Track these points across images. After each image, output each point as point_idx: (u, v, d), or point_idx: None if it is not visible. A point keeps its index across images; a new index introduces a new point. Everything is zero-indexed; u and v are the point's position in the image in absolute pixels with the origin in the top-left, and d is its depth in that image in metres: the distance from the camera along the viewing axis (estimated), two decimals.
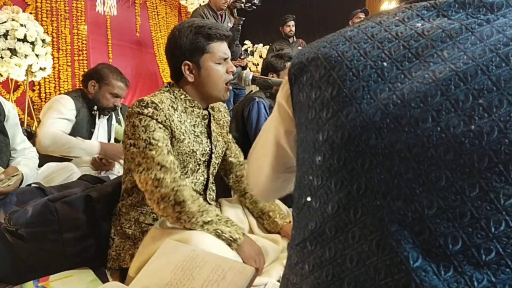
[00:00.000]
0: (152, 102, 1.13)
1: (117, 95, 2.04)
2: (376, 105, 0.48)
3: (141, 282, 0.97)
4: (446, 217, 0.43)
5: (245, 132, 2.06)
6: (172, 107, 1.19)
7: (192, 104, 1.24)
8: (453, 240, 0.42)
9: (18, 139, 1.61)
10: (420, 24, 0.50)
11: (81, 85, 2.11)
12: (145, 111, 1.12)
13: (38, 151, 1.76)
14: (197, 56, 1.21)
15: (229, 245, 1.08)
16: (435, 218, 0.43)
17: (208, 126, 1.29)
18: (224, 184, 1.75)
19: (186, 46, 1.20)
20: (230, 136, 1.44)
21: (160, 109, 1.13)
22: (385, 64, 0.49)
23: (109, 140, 2.27)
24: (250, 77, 1.55)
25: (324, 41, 0.57)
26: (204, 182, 1.30)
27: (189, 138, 1.21)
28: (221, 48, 1.23)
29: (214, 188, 1.37)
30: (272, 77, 2.08)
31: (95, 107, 2.04)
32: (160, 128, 1.13)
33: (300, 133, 0.57)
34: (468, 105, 0.43)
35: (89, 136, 2.06)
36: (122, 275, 1.17)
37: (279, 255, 1.24)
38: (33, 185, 1.46)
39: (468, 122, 0.43)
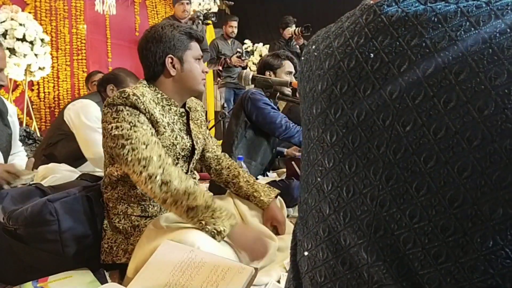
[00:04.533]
0: (134, 94, 1.16)
1: None
2: (361, 103, 0.45)
3: (139, 283, 0.96)
4: (431, 229, 0.40)
5: (245, 124, 2.08)
6: (153, 101, 1.22)
7: (168, 102, 1.27)
8: (438, 253, 0.40)
9: (17, 140, 1.69)
10: (413, 6, 0.44)
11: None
12: (128, 101, 1.15)
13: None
14: (181, 52, 1.27)
15: (213, 237, 1.06)
16: (420, 229, 0.40)
17: (187, 124, 1.32)
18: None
19: (172, 41, 1.26)
20: (207, 132, 1.48)
21: (141, 101, 1.16)
22: (371, 55, 0.45)
23: None
24: (250, 76, 1.55)
25: (331, 27, 0.53)
26: None
27: (170, 132, 1.23)
28: (198, 47, 1.32)
29: (195, 176, 1.43)
30: (269, 75, 2.09)
31: None
32: (143, 116, 1.16)
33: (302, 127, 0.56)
34: (451, 106, 0.39)
35: None
36: (121, 276, 1.17)
37: (278, 255, 1.24)
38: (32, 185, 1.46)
39: (452, 127, 0.39)
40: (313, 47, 0.54)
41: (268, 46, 5.05)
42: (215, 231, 1.06)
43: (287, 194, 1.74)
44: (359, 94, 0.45)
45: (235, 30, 4.50)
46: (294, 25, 4.15)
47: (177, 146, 1.25)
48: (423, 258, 0.40)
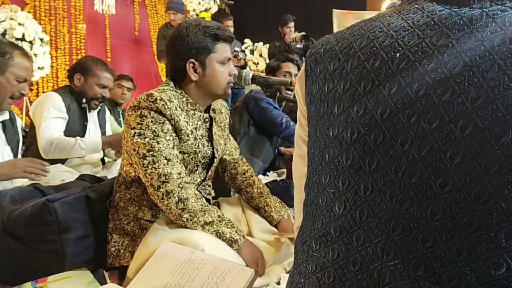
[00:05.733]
0: (161, 99, 1.13)
1: (104, 86, 2.05)
2: (386, 101, 0.45)
3: (139, 284, 0.96)
4: (453, 226, 0.40)
5: (248, 122, 2.12)
6: (179, 107, 1.19)
7: (193, 107, 1.24)
8: (460, 250, 0.39)
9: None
10: (438, 10, 0.46)
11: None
12: (154, 105, 1.12)
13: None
14: (203, 55, 1.21)
15: (230, 245, 1.08)
16: (442, 226, 0.40)
17: (210, 130, 1.29)
18: (225, 183, 1.75)
19: (194, 44, 1.20)
20: (228, 134, 1.45)
21: (168, 107, 1.13)
22: (397, 55, 0.46)
23: (102, 134, 2.25)
24: (250, 76, 1.55)
25: (344, 31, 0.54)
26: (200, 183, 1.31)
27: (193, 140, 1.21)
28: (225, 49, 1.24)
29: (209, 183, 1.40)
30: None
31: (84, 100, 2.04)
32: (167, 123, 1.13)
33: (310, 126, 0.56)
34: (479, 103, 0.40)
35: (83, 129, 2.06)
36: (121, 277, 1.16)
37: (279, 256, 1.23)
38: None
39: (479, 123, 0.39)
40: (325, 47, 0.54)
41: (268, 45, 5.05)
42: (232, 239, 1.09)
43: (287, 194, 1.74)
44: (384, 92, 0.46)
45: (232, 30, 4.47)
46: (292, 22, 4.19)
47: (199, 154, 1.23)
48: (443, 256, 0.40)
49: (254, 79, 1.54)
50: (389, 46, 0.47)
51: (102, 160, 2.20)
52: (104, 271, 1.16)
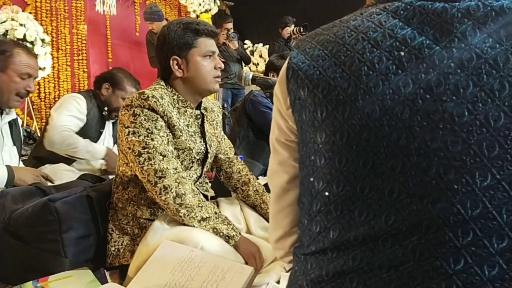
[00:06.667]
0: (153, 96, 1.15)
1: None
2: (402, 100, 0.43)
3: (139, 283, 0.97)
4: (492, 217, 0.40)
5: (247, 125, 2.13)
6: (171, 104, 1.21)
7: (184, 104, 1.25)
8: (499, 239, 0.40)
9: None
10: (429, 5, 0.45)
11: (88, 86, 2.14)
12: (146, 103, 1.14)
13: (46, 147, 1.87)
14: (185, 51, 1.23)
15: (227, 241, 1.09)
16: (480, 219, 0.40)
17: (202, 126, 1.31)
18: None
19: (175, 42, 1.22)
20: (222, 133, 1.46)
21: (160, 104, 1.15)
22: (402, 53, 0.44)
23: (114, 143, 2.28)
24: (250, 76, 1.56)
25: (325, 33, 0.52)
26: (196, 179, 1.32)
27: (186, 136, 1.22)
28: (208, 43, 1.25)
29: (207, 180, 1.41)
30: (272, 76, 2.11)
31: (106, 108, 2.06)
32: (160, 120, 1.15)
33: (303, 133, 0.52)
34: (506, 94, 0.40)
35: (97, 136, 2.08)
36: (122, 276, 1.17)
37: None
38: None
39: (509, 113, 0.39)
40: (309, 51, 0.52)
41: (268, 46, 5.05)
42: (229, 236, 1.09)
43: None
44: (396, 91, 0.44)
45: (232, 31, 4.45)
46: (293, 25, 4.13)
47: (193, 150, 1.24)
48: (483, 245, 0.40)
49: (254, 80, 1.54)
50: (390, 45, 0.45)
51: None
52: (105, 270, 1.16)
